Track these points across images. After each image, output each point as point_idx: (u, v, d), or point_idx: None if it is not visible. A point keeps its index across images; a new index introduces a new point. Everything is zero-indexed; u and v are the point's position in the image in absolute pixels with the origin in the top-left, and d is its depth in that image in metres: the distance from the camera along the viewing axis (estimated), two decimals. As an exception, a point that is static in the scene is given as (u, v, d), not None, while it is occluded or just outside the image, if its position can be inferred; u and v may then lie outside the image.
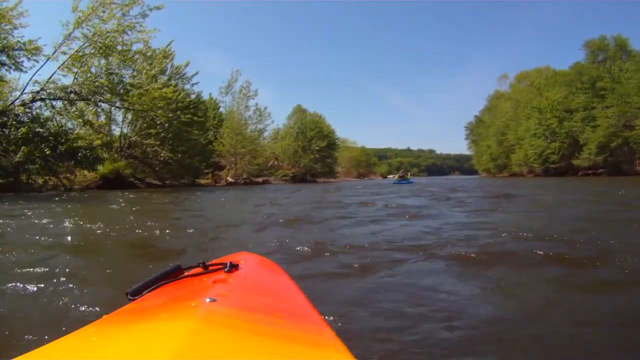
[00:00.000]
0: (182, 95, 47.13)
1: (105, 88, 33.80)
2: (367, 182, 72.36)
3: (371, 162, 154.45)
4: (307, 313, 1.65)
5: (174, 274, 2.02)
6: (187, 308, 1.36)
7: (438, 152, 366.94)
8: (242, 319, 1.33)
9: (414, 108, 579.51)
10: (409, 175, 57.51)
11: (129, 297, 1.79)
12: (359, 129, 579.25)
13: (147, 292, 1.84)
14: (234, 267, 1.99)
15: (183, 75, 51.72)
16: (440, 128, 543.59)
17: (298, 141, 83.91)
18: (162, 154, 45.41)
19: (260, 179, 62.25)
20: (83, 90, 32.93)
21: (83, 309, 3.21)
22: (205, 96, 64.66)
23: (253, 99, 67.97)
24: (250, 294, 1.71)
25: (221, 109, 68.74)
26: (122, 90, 35.12)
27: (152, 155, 45.67)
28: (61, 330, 2.08)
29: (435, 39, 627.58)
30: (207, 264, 2.04)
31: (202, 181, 52.94)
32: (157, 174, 46.53)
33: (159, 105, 38.75)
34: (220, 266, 2.00)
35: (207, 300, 1.42)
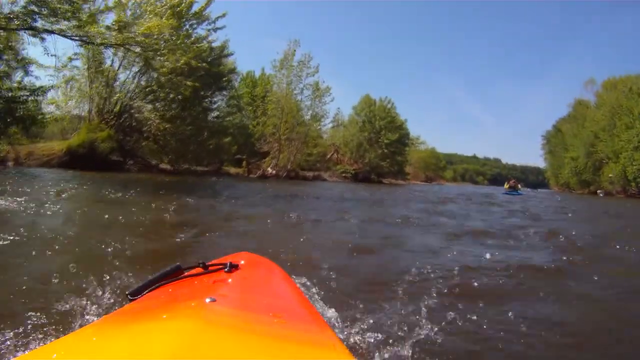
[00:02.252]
0: (192, 39, 31.70)
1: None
2: (452, 189, 58.20)
3: (440, 166, 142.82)
4: (307, 313, 1.61)
5: (174, 274, 1.94)
6: (187, 308, 1.36)
7: (504, 161, 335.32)
8: (242, 319, 1.32)
9: (483, 114, 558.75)
10: (519, 186, 46.11)
11: (129, 297, 1.76)
12: (424, 130, 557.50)
13: (147, 292, 1.79)
14: (234, 267, 1.93)
15: (198, 15, 32.70)
16: (508, 137, 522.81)
17: (364, 132, 69.10)
18: (157, 124, 32.78)
19: (311, 174, 51.02)
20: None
21: None
22: (249, 67, 45.67)
23: (313, 76, 50.25)
24: (250, 294, 1.68)
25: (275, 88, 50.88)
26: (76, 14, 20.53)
27: (152, 127, 33.30)
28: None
29: (510, 45, 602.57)
30: (207, 264, 1.97)
31: (232, 170, 42.60)
32: (164, 153, 35.05)
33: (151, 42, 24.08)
34: (220, 266, 1.94)
35: (207, 300, 1.40)
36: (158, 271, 1.92)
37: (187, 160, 34.71)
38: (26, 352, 1.18)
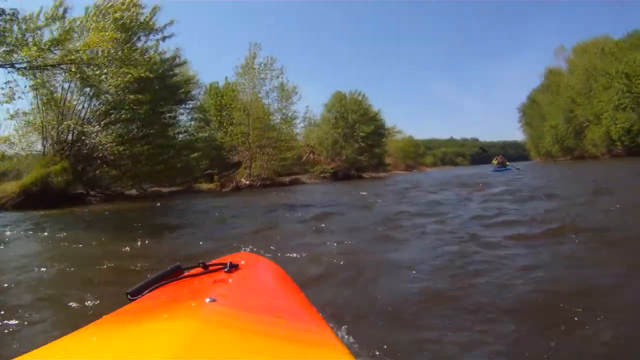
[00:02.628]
0: (138, 50, 29.60)
1: None
2: (436, 174, 58.62)
3: (420, 153, 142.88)
4: (307, 313, 1.64)
5: (174, 274, 1.97)
6: (187, 308, 1.38)
7: (482, 140, 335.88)
8: (242, 319, 1.34)
9: (456, 96, 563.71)
10: (506, 162, 45.29)
11: (129, 297, 1.78)
12: (400, 120, 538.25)
13: (147, 292, 1.81)
14: (234, 267, 1.95)
15: (144, 25, 30.60)
16: (483, 115, 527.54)
17: (338, 128, 68.49)
18: (111, 148, 30.00)
19: (288, 179, 47.76)
20: None
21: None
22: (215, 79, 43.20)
23: (277, 77, 47.72)
24: (250, 294, 1.70)
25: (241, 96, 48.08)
26: None
27: (107, 152, 30.44)
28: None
29: (478, 23, 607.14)
30: (207, 264, 2.00)
31: (205, 186, 39.65)
32: (128, 178, 32.33)
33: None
34: (220, 266, 1.96)
35: (207, 300, 1.42)
36: (158, 271, 1.90)
37: (156, 182, 33.15)
38: (26, 352, 1.10)
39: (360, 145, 66.92)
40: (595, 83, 73.64)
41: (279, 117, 49.46)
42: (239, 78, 46.39)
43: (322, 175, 57.07)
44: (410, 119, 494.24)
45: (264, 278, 2.07)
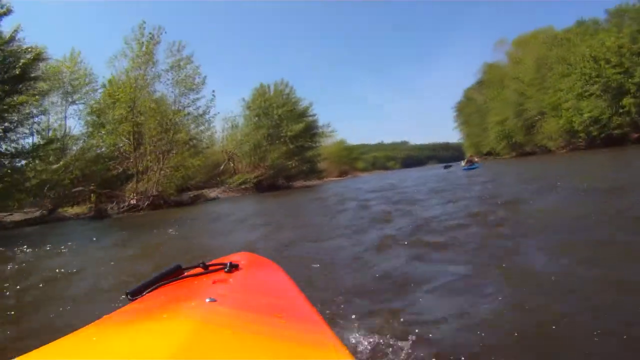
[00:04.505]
0: None
1: None
2: (378, 180, 48.15)
3: (353, 157, 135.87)
4: (307, 313, 1.70)
5: (174, 274, 2.03)
6: (187, 308, 1.44)
7: (412, 143, 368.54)
8: (242, 319, 1.40)
9: (384, 100, 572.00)
10: (475, 159, 46.82)
11: (129, 297, 1.84)
12: (333, 125, 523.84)
13: (148, 292, 1.87)
14: (234, 267, 2.02)
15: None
16: (412, 119, 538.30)
17: (262, 128, 57.21)
18: None
19: (190, 194, 37.31)
20: None
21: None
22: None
23: (184, 67, 38.66)
24: (250, 294, 1.77)
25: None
26: None
27: None
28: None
29: (406, 29, 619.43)
30: (207, 264, 2.07)
31: (71, 210, 29.20)
32: None
33: None
34: (220, 266, 2.03)
35: (207, 300, 1.50)
36: (158, 271, 1.96)
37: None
38: (26, 352, 1.12)
39: (288, 147, 57.04)
40: (550, 72, 70.79)
41: (188, 117, 40.52)
42: (133, 69, 36.11)
43: (242, 186, 48.80)
44: (339, 123, 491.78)
45: (264, 278, 2.10)
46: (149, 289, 1.85)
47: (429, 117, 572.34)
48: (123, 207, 29.48)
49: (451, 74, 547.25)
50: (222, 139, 57.46)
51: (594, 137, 59.70)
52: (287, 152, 56.29)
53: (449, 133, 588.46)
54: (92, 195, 31.57)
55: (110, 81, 36.01)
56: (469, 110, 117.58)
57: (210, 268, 1.99)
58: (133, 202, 30.58)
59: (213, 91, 40.33)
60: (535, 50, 78.83)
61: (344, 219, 11.53)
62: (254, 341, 1.20)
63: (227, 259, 2.11)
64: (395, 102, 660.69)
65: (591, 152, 45.32)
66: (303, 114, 61.94)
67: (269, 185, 51.63)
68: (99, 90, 38.35)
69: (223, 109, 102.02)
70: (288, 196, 30.36)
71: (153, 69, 35.43)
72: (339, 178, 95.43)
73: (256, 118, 58.52)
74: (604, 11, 70.32)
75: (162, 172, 32.97)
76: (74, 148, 35.08)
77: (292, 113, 59.28)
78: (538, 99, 74.40)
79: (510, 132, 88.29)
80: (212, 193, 42.79)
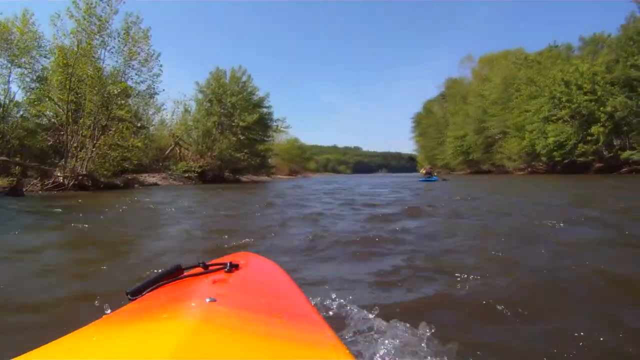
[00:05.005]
0: None
1: None
2: (327, 182, 48.37)
3: (306, 157, 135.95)
4: (307, 313, 1.71)
5: (174, 274, 2.01)
6: (187, 308, 1.44)
7: (364, 149, 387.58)
8: (242, 319, 1.41)
9: (344, 105, 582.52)
10: (434, 172, 47.96)
11: (129, 297, 1.84)
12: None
13: (147, 292, 1.86)
14: (234, 267, 2.02)
15: None
16: (368, 126, 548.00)
17: (213, 116, 53.88)
18: None
19: (127, 178, 34.00)
20: None
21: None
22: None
23: (137, 42, 33.75)
24: (250, 294, 1.78)
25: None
26: None
27: None
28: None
29: (376, 37, 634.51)
30: (207, 264, 2.06)
31: None
32: None
33: None
34: (220, 266, 2.03)
35: (207, 300, 1.49)
36: (158, 271, 1.98)
37: None
38: (26, 352, 1.12)
39: (239, 138, 54.15)
40: (517, 92, 70.92)
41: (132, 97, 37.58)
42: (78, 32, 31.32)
43: (186, 175, 45.63)
44: (294, 122, 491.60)
45: (264, 278, 2.11)
46: (149, 289, 1.83)
47: (384, 126, 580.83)
48: (47, 185, 25.87)
49: (412, 86, 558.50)
50: (172, 123, 54.66)
51: (556, 162, 59.59)
52: (237, 143, 53.65)
53: (402, 143, 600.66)
54: (16, 168, 27.71)
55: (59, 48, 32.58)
56: (427, 123, 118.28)
57: (210, 268, 1.97)
58: (60, 180, 26.64)
59: (160, 65, 36.90)
60: (503, 69, 78.76)
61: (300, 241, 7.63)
62: (254, 341, 1.21)
63: (227, 259, 2.10)
64: (354, 106, 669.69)
65: (552, 177, 45.79)
66: (258, 104, 58.50)
67: (215, 176, 49.21)
68: (49, 57, 34.42)
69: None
70: (233, 191, 27.53)
71: (100, 37, 32.03)
72: (289, 177, 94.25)
73: (208, 104, 55.38)
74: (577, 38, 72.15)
75: (96, 150, 29.34)
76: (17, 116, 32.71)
77: (246, 102, 56.01)
78: (502, 117, 74.47)
79: (468, 148, 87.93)
80: (152, 179, 40.22)
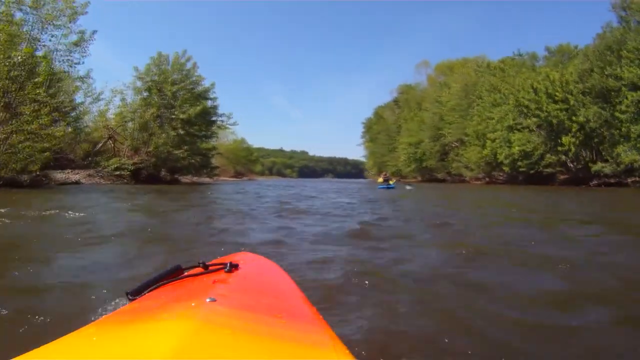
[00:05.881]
0: None
1: None
2: (293, 183, 53.58)
3: (252, 159, 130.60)
4: (307, 313, 1.72)
5: (174, 274, 2.00)
6: (187, 308, 1.43)
7: (311, 153, 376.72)
8: (242, 319, 1.41)
9: (292, 108, 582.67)
10: (392, 179, 46.20)
11: (129, 297, 1.83)
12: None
13: (147, 292, 1.85)
14: (234, 267, 1.99)
15: None
16: (316, 130, 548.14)
17: (152, 107, 46.71)
18: None
19: (36, 174, 27.09)
20: None
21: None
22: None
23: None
24: (250, 294, 1.77)
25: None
26: None
27: None
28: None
29: (325, 44, 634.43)
30: (207, 264, 2.03)
31: None
32: None
33: None
34: (220, 266, 2.01)
35: (207, 300, 1.49)
36: (158, 271, 1.96)
37: None
38: (26, 352, 1.11)
39: (179, 133, 48.09)
40: (478, 99, 68.83)
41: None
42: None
43: (117, 173, 40.14)
44: (241, 122, 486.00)
45: (264, 278, 2.11)
46: (149, 289, 1.82)
47: (331, 131, 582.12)
48: None
49: (362, 92, 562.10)
50: (108, 113, 48.12)
51: (518, 172, 57.84)
52: (177, 139, 47.95)
53: (349, 149, 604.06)
54: None
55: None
56: (378, 128, 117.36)
57: (210, 268, 1.96)
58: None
59: (93, 31, 31.62)
60: (464, 76, 77.31)
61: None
62: (254, 341, 1.21)
63: (227, 259, 2.09)
64: (302, 110, 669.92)
65: (524, 188, 43.87)
66: (202, 95, 52.41)
67: (150, 176, 44.31)
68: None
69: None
70: (165, 194, 23.80)
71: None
72: (234, 179, 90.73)
73: (146, 93, 49.30)
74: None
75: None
76: None
77: (189, 93, 49.98)
78: (460, 125, 72.84)
79: (422, 155, 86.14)
80: (75, 176, 35.75)
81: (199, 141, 51.86)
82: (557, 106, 53.12)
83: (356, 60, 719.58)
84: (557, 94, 53.79)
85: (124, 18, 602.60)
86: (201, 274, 1.92)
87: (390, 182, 42.14)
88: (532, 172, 56.20)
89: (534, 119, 56.04)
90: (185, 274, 2.01)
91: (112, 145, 46.44)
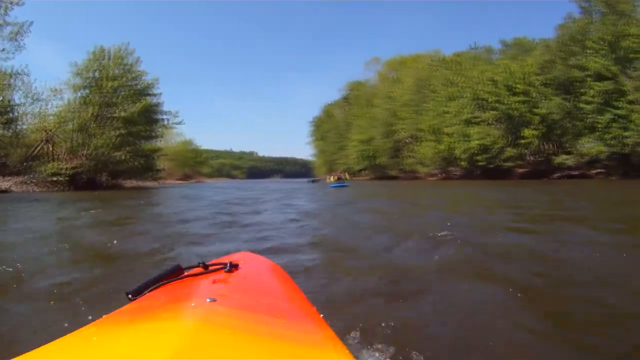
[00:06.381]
0: None
1: None
2: (241, 185, 51.40)
3: (200, 161, 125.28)
4: (307, 313, 1.72)
5: (174, 274, 1.97)
6: (187, 308, 1.42)
7: (260, 154, 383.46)
8: (242, 319, 1.40)
9: (240, 108, 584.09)
10: (346, 176, 51.65)
11: (129, 297, 1.81)
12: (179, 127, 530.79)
13: (147, 292, 1.83)
14: (234, 267, 1.97)
15: None
16: (264, 130, 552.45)
17: (91, 106, 42.51)
18: None
19: None
20: None
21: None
22: None
23: None
24: (250, 294, 1.76)
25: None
26: None
27: None
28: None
29: (273, 43, 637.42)
30: (207, 264, 2.02)
31: None
32: None
33: None
34: (220, 266, 1.99)
35: (207, 300, 1.49)
36: (158, 271, 1.93)
37: None
38: (26, 352, 1.11)
39: (120, 133, 44.01)
40: (433, 94, 66.72)
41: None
42: None
43: (53, 180, 36.89)
44: (187, 124, 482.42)
45: (264, 278, 2.07)
46: (149, 289, 1.81)
47: (279, 131, 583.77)
48: None
49: (310, 91, 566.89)
50: (46, 114, 42.84)
51: (476, 166, 56.52)
52: (118, 141, 43.88)
53: (297, 149, 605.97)
54: None
55: None
56: (327, 126, 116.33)
57: (210, 268, 1.94)
58: None
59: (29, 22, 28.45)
60: (417, 71, 75.66)
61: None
62: (254, 341, 1.21)
63: (227, 259, 2.08)
64: (250, 111, 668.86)
65: (464, 183, 43.99)
66: (144, 91, 48.46)
67: (89, 181, 40.79)
68: None
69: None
70: (93, 203, 19.63)
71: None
72: (182, 182, 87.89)
73: (85, 90, 45.09)
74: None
75: None
76: None
77: (130, 89, 46.18)
78: (413, 120, 70.99)
79: (374, 152, 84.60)
80: (5, 183, 33.96)
81: (142, 142, 48.70)
82: (518, 98, 52.18)
83: (305, 60, 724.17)
84: (517, 86, 52.81)
85: (72, 17, 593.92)
86: (201, 274, 1.90)
87: (344, 180, 42.67)
88: (491, 166, 55.13)
89: (493, 112, 55.10)
90: (185, 274, 1.99)
91: (50, 148, 42.44)
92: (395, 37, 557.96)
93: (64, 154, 42.35)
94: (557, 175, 48.97)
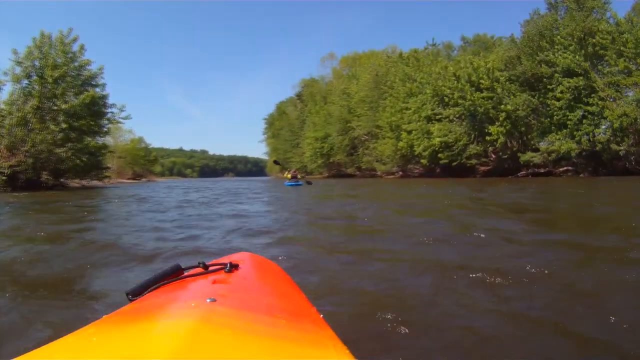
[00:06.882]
0: None
1: None
2: (184, 183, 52.94)
3: (151, 160, 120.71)
4: (307, 313, 1.74)
5: (174, 274, 1.93)
6: (187, 308, 1.42)
7: (211, 152, 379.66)
8: (242, 319, 1.40)
9: (191, 107, 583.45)
10: (299, 176, 43.94)
11: (129, 297, 1.79)
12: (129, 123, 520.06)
13: (147, 292, 1.80)
14: (234, 267, 1.96)
15: None
16: (215, 128, 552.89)
17: (32, 98, 38.42)
18: None
19: None
20: None
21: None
22: None
23: None
24: (250, 294, 1.74)
25: None
26: None
27: None
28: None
29: (225, 42, 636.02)
30: (207, 264, 1.99)
31: None
32: None
33: None
34: (220, 266, 1.96)
35: (207, 300, 1.48)
36: (158, 271, 1.88)
37: None
38: (26, 352, 1.10)
39: (62, 128, 39.95)
40: (391, 90, 64.73)
41: None
42: None
43: None
44: (137, 122, 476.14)
45: (264, 278, 2.02)
46: (149, 289, 1.77)
47: (231, 129, 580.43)
48: None
49: (261, 90, 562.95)
50: None
51: (437, 164, 55.49)
52: (61, 137, 39.59)
53: (249, 148, 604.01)
54: None
55: None
56: (280, 124, 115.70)
57: (210, 268, 1.91)
58: None
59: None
60: (374, 67, 73.79)
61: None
62: (254, 341, 1.20)
63: (227, 259, 2.06)
64: (201, 109, 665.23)
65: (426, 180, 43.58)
66: (89, 82, 43.29)
67: (28, 181, 37.09)
68: None
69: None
70: (43, 207, 16.90)
71: None
72: (132, 181, 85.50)
73: (26, 81, 40.52)
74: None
75: None
76: None
77: (73, 79, 41.50)
78: (371, 117, 70.10)
79: (330, 150, 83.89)
80: None
81: (87, 138, 44.02)
82: (483, 94, 50.78)
83: (257, 58, 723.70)
84: (482, 81, 51.71)
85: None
86: (201, 274, 1.88)
87: (299, 179, 40.68)
88: (454, 164, 53.59)
89: (456, 109, 53.78)
90: (185, 274, 1.95)
91: (-9, 146, 43.39)
92: (351, 34, 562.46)
93: (2, 151, 37.85)
94: (522, 173, 48.45)
